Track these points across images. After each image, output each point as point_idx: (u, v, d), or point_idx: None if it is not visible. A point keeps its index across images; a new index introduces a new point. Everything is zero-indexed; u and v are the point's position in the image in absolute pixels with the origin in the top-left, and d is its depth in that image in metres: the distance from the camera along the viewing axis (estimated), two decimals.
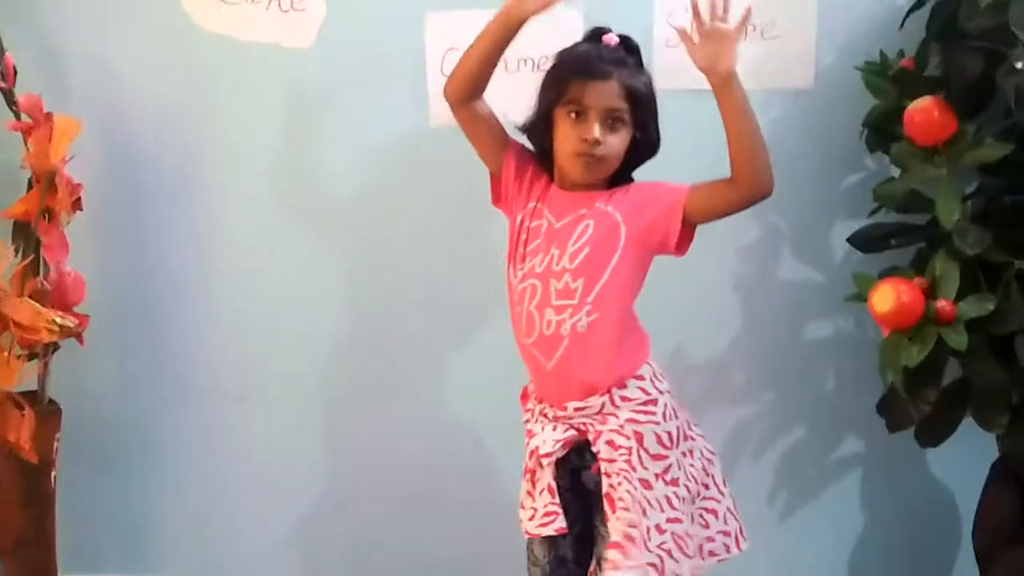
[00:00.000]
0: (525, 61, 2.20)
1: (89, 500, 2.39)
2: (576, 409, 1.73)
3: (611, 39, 1.73)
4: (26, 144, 2.05)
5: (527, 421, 1.82)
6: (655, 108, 1.74)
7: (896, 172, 2.05)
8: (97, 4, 2.24)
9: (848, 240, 2.17)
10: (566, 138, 1.71)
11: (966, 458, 2.16)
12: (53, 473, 2.17)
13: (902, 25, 2.08)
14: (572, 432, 1.73)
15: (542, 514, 1.72)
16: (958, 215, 1.83)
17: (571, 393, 1.74)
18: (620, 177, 1.78)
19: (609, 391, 1.72)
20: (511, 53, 2.01)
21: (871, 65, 2.08)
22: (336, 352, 2.39)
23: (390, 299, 2.38)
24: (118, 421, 2.39)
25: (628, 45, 1.74)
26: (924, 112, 1.92)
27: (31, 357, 2.08)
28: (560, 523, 1.71)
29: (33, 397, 2.12)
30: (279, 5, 2.21)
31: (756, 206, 2.06)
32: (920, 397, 1.93)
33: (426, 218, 2.33)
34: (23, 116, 2.05)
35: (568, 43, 1.79)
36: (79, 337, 2.08)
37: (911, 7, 2.05)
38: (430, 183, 2.30)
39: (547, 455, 1.72)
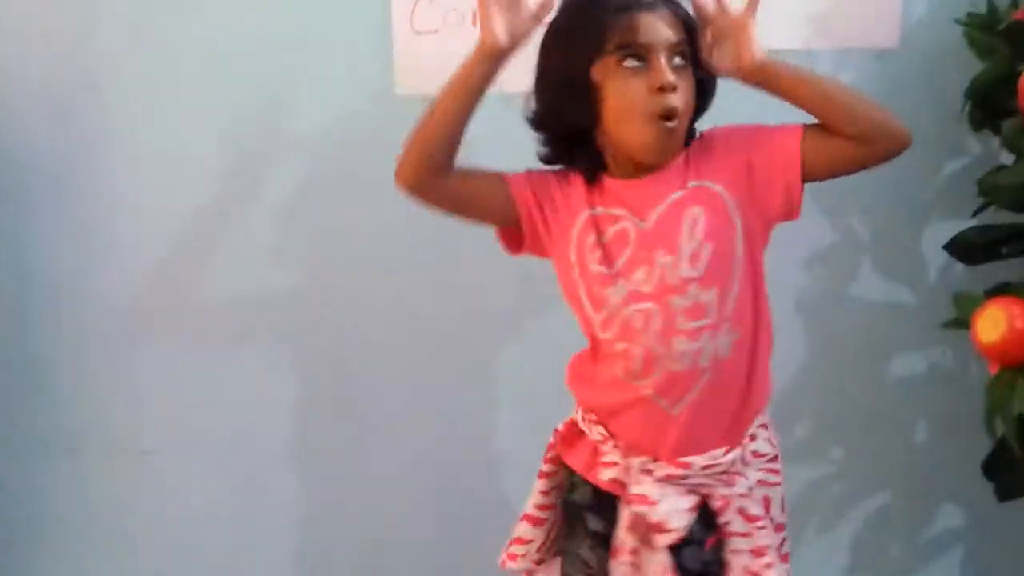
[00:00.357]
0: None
1: None
2: (704, 467, 1.67)
3: None
4: None
5: (608, 469, 1.72)
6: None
7: (1009, 158, 2.04)
8: None
9: (946, 248, 2.14)
10: (629, 98, 1.59)
11: None
12: None
13: None
14: (695, 498, 1.67)
15: None
16: None
17: (701, 444, 1.68)
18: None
19: (742, 441, 1.70)
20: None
21: (975, 17, 2.08)
22: (267, 388, 2.43)
23: (341, 319, 2.39)
24: None
25: None
26: None
27: None
28: None
29: None
30: None
31: (829, 205, 2.26)
32: None
33: (391, 209, 2.18)
34: None
35: None
36: None
37: None
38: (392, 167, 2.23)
39: (673, 531, 1.65)
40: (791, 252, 2.26)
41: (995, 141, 2.11)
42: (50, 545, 2.48)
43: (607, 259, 1.66)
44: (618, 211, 1.67)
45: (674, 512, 1.65)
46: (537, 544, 1.82)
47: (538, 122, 1.70)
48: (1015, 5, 2.05)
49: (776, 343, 1.99)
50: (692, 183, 1.65)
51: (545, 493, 1.82)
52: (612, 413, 1.72)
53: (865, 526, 2.39)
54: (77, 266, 2.39)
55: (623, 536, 1.68)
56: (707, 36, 1.61)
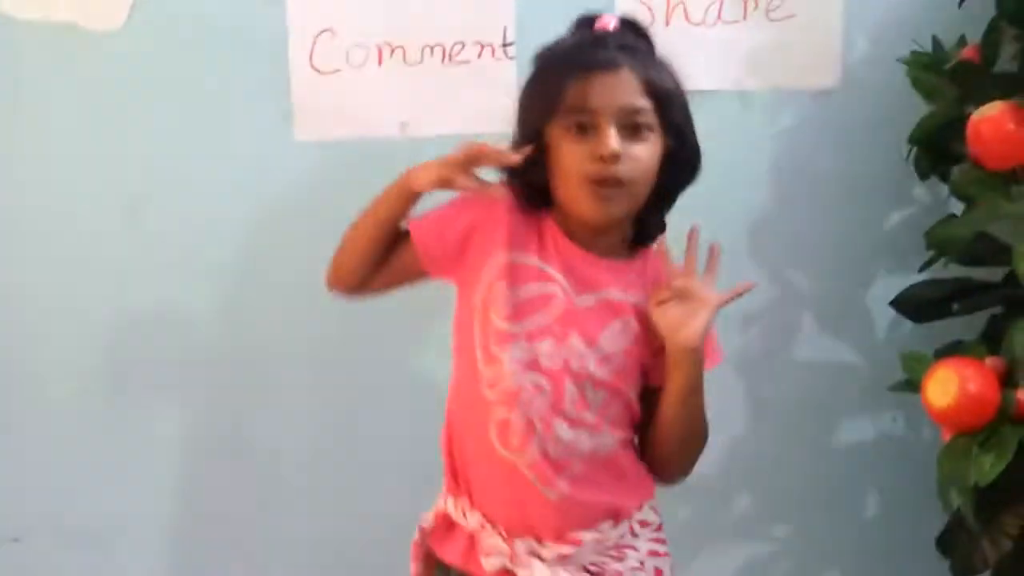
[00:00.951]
0: (432, 49, 2.16)
1: None
2: (594, 541, 1.63)
3: (608, 22, 1.62)
4: None
5: (492, 557, 1.66)
6: (686, 110, 1.62)
7: (958, 207, 2.02)
8: None
9: (892, 304, 2.12)
10: (571, 162, 1.55)
11: None
12: None
13: (962, 2, 2.05)
14: None
15: None
16: None
17: (584, 521, 1.63)
18: (654, 220, 1.67)
19: (630, 514, 1.68)
20: (414, 39, 2.15)
21: (919, 56, 2.05)
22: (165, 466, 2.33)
23: (247, 386, 2.29)
24: None
25: (635, 27, 1.63)
26: (995, 122, 1.83)
27: None
28: None
29: None
30: None
31: (768, 257, 2.25)
32: (997, 527, 1.86)
33: (286, 278, 2.24)
34: None
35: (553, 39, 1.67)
36: None
37: None
38: (298, 217, 2.23)
39: None
40: (727, 309, 2.01)
41: (943, 189, 2.10)
42: None
43: (516, 315, 1.61)
44: (554, 272, 1.63)
45: None
46: None
47: (507, 170, 1.65)
48: (962, 43, 2.04)
49: (713, 408, 1.93)
50: (635, 295, 1.64)
51: None
52: (485, 487, 1.67)
53: None
54: None
55: None
56: (665, 292, 1.59)
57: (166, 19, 2.15)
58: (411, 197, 1.64)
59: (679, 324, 1.55)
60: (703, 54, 2.15)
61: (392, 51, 2.14)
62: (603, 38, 1.59)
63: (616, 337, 1.62)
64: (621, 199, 1.56)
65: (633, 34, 1.61)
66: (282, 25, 2.13)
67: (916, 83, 2.03)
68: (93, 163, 2.21)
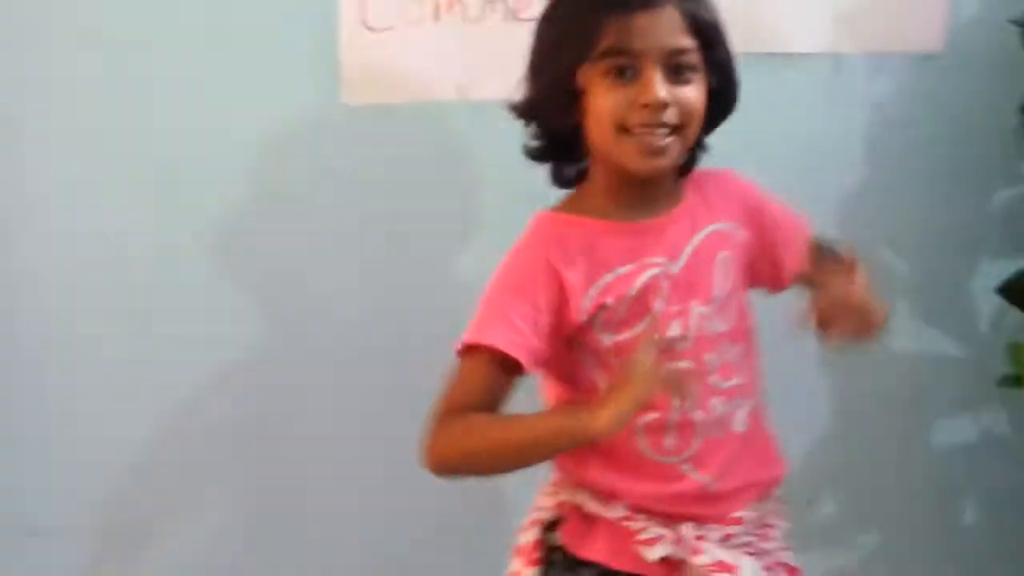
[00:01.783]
0: (494, 4, 2.04)
1: None
2: (754, 519, 1.57)
3: None
4: None
5: (652, 548, 1.53)
6: (727, 45, 1.50)
7: None
8: None
9: (999, 291, 2.03)
10: (610, 111, 1.42)
11: None
12: None
13: None
14: (753, 560, 1.57)
15: None
16: None
17: (739, 502, 1.55)
18: (698, 152, 1.57)
19: (777, 487, 1.65)
20: None
21: None
22: (196, 448, 2.21)
23: (289, 336, 2.18)
24: None
25: None
26: None
27: None
28: None
29: None
30: None
31: (862, 236, 1.88)
32: None
33: (334, 238, 2.15)
34: None
35: None
36: None
37: None
38: (342, 191, 2.12)
39: None
40: None
41: None
42: None
43: (632, 319, 1.49)
44: (633, 267, 1.49)
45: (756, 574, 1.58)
46: None
47: (521, 113, 1.53)
48: None
49: (798, 404, 2.03)
50: (720, 223, 1.54)
51: None
52: (630, 484, 1.53)
53: None
54: None
55: None
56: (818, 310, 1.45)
57: None
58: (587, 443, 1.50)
59: (859, 326, 1.43)
60: (792, 11, 2.05)
61: (451, 5, 2.02)
62: None
63: (723, 275, 1.52)
64: (672, 148, 1.44)
65: None
66: None
67: None
68: (130, 124, 2.08)
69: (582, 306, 1.48)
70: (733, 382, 1.51)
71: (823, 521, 2.21)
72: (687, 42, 1.42)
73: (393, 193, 2.04)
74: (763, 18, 2.00)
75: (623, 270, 1.49)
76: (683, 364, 1.47)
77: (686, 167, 1.55)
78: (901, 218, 2.13)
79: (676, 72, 1.42)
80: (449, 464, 1.51)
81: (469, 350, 1.48)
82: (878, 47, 2.06)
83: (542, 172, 1.59)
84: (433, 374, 1.64)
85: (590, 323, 1.49)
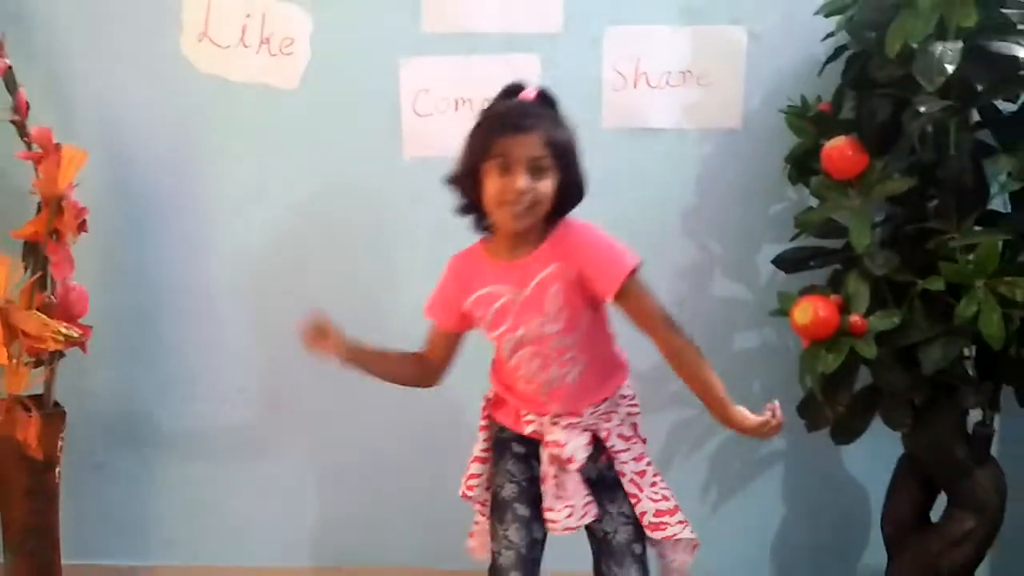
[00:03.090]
0: (487, 102, 2.11)
1: (90, 494, 2.38)
2: (591, 413, 1.73)
3: (528, 93, 1.65)
4: (36, 171, 2.03)
5: (530, 425, 1.75)
6: (575, 154, 1.65)
7: (815, 202, 2.03)
8: (103, 44, 2.23)
9: (773, 262, 2.16)
10: (495, 190, 1.60)
11: (875, 455, 2.18)
12: (57, 470, 2.16)
13: (820, 73, 2.08)
14: (588, 435, 1.72)
15: (583, 507, 1.70)
16: (869, 240, 1.85)
17: (582, 406, 1.73)
18: (555, 218, 1.68)
19: (612, 394, 1.75)
20: (476, 96, 2.15)
21: (793, 108, 2.08)
22: (301, 358, 2.19)
23: (365, 314, 2.20)
24: (117, 421, 2.38)
25: (545, 98, 1.67)
26: (839, 150, 1.91)
27: (38, 364, 2.06)
28: (595, 510, 1.72)
29: (40, 400, 2.10)
30: (268, 49, 2.20)
31: (694, 232, 2.26)
32: (835, 400, 1.94)
33: (400, 242, 2.31)
34: (34, 147, 2.04)
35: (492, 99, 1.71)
36: (82, 346, 2.07)
37: (828, 58, 2.06)
38: (404, 211, 2.28)
39: (577, 461, 1.69)
40: (669, 266, 2.27)
41: (806, 191, 2.07)
42: (148, 470, 2.44)
43: (494, 325, 1.70)
44: (498, 288, 1.68)
45: (577, 448, 1.70)
46: (486, 476, 1.83)
47: (450, 183, 1.71)
48: (819, 100, 2.07)
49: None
50: (553, 265, 1.65)
51: (486, 440, 1.84)
52: (518, 395, 1.76)
53: (716, 451, 2.38)
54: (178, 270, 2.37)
55: (546, 468, 1.70)
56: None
57: (323, 81, 2.22)
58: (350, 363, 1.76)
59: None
60: (657, 106, 2.20)
61: (464, 103, 2.20)
62: (523, 106, 1.63)
63: (554, 299, 1.64)
64: (529, 214, 1.60)
65: (543, 103, 1.64)
66: (396, 87, 2.20)
67: (790, 124, 2.05)
68: (275, 174, 2.29)
69: (464, 306, 1.71)
70: (566, 356, 1.67)
71: (670, 393, 2.18)
72: (543, 153, 1.57)
73: (434, 203, 1.96)
74: (641, 109, 2.17)
75: (484, 291, 1.68)
76: (526, 353, 1.67)
77: (549, 227, 1.66)
78: (720, 221, 2.26)
79: (536, 171, 1.58)
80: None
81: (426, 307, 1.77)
82: (704, 125, 2.21)
83: None
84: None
85: (473, 318, 1.72)
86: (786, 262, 2.14)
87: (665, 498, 1.75)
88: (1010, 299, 1.71)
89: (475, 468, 1.83)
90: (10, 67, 2.07)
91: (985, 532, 1.94)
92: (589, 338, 1.69)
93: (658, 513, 1.73)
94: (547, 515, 1.70)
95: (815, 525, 2.39)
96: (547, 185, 1.60)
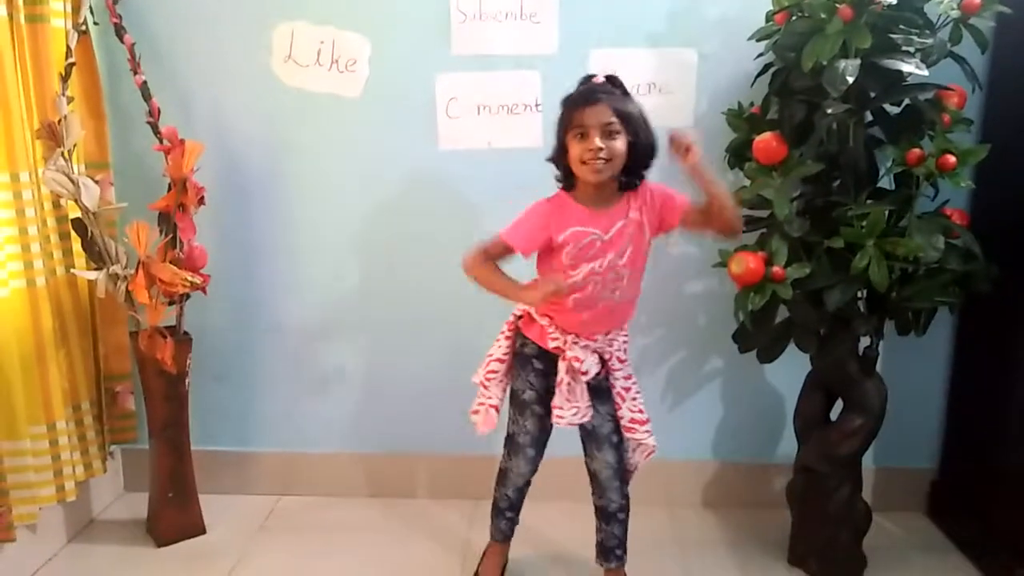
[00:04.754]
0: (502, 107, 2.18)
1: (211, 398, 2.39)
2: (602, 338, 1.72)
3: (598, 78, 1.62)
4: (166, 160, 2.01)
5: (552, 344, 1.71)
6: (644, 121, 1.61)
7: (748, 182, 1.96)
8: (215, 63, 2.21)
9: None
10: (576, 153, 1.58)
11: (790, 370, 2.15)
12: (187, 380, 2.17)
13: (752, 84, 2.04)
14: (597, 356, 1.71)
15: (584, 409, 1.70)
16: (788, 211, 1.82)
17: (602, 330, 1.71)
18: (632, 178, 1.64)
19: (623, 327, 1.74)
20: (494, 102, 2.12)
21: (732, 111, 2.04)
22: (362, 298, 2.34)
23: (407, 281, 2.32)
24: (230, 346, 2.37)
25: (613, 81, 1.63)
26: (766, 143, 1.86)
27: (171, 303, 2.06)
28: (591, 413, 1.72)
29: (173, 330, 2.11)
30: (337, 68, 2.17)
31: None
32: (761, 330, 1.93)
33: (435, 214, 2.27)
34: (164, 141, 2.03)
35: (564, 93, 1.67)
36: (203, 290, 2.07)
37: (759, 72, 2.01)
38: (438, 189, 2.25)
39: (586, 373, 1.69)
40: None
41: (741, 173, 2.01)
42: (254, 381, 2.43)
43: (581, 255, 1.65)
44: (588, 228, 1.64)
45: (591, 365, 1.70)
46: (501, 374, 1.81)
47: (552, 162, 1.68)
48: (752, 104, 2.02)
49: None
50: (631, 214, 1.64)
51: (509, 348, 1.80)
52: (568, 318, 1.72)
53: (671, 368, 2.35)
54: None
55: (562, 375, 1.69)
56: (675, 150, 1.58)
57: (379, 91, 2.18)
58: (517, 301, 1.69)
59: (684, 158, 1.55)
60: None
61: (484, 108, 2.17)
62: (593, 86, 1.60)
63: (628, 241, 1.64)
64: (606, 169, 1.57)
65: (612, 84, 1.61)
66: (432, 94, 2.16)
67: (730, 123, 2.02)
68: (342, 162, 2.25)
69: (557, 237, 1.64)
70: (623, 284, 1.66)
71: (639, 326, 2.24)
72: (613, 119, 1.55)
73: (464, 185, 2.16)
74: None
75: (577, 228, 1.63)
76: (597, 278, 1.64)
77: (626, 186, 1.63)
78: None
79: (608, 134, 1.56)
80: (469, 275, 1.66)
81: (500, 238, 1.65)
82: (666, 123, 1.81)
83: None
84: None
85: (561, 247, 1.64)
86: None
87: (640, 411, 1.75)
88: (893, 254, 1.71)
89: (494, 366, 1.80)
90: (145, 82, 2.07)
91: (870, 428, 1.93)
92: (637, 273, 1.69)
93: (632, 420, 1.74)
94: (556, 411, 1.69)
95: (745, 422, 2.37)
96: (619, 145, 1.57)
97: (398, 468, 2.41)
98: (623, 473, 1.79)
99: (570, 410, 1.68)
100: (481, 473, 2.12)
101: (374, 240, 2.30)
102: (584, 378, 1.68)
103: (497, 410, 1.79)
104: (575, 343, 1.69)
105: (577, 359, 1.67)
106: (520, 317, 1.78)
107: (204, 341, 2.25)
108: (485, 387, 1.80)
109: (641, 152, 1.61)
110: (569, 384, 1.68)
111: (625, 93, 1.61)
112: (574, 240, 1.63)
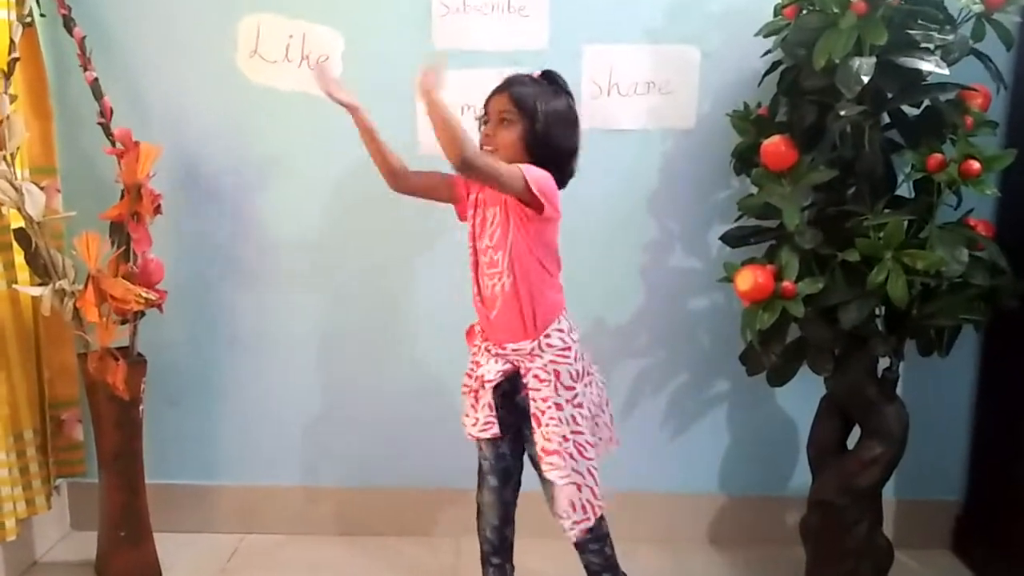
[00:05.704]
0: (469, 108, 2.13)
1: (167, 426, 2.39)
2: (513, 349, 1.70)
3: (534, 72, 1.70)
4: (119, 164, 2.00)
5: (474, 354, 1.78)
6: (552, 116, 1.63)
7: (755, 190, 1.99)
8: (173, 59, 2.21)
9: (720, 238, 2.13)
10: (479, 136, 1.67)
11: (803, 395, 2.17)
12: (140, 407, 2.16)
13: (760, 84, 2.07)
14: (508, 365, 1.71)
15: (483, 422, 1.72)
16: (798, 221, 1.84)
17: (510, 337, 1.71)
18: (553, 169, 1.66)
19: (537, 339, 1.69)
20: (474, 99, 1.96)
21: (738, 112, 2.06)
22: (331, 311, 2.36)
23: (385, 277, 2.34)
24: (185, 366, 2.37)
25: (548, 76, 1.69)
26: (774, 147, 1.89)
27: (123, 322, 2.05)
28: (495, 430, 1.72)
29: (125, 351, 2.09)
30: (307, 64, 2.18)
31: (657, 214, 2.24)
32: (770, 350, 1.94)
33: (414, 210, 2.20)
34: (117, 144, 2.03)
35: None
36: (159, 307, 2.06)
37: (766, 71, 2.04)
38: (418, 200, 2.14)
39: (489, 381, 1.70)
40: (635, 241, 2.27)
41: (747, 180, 2.03)
42: (210, 406, 2.43)
43: (479, 230, 1.73)
44: (482, 202, 1.72)
45: (489, 370, 1.71)
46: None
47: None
48: (759, 105, 2.05)
49: (626, 292, 2.19)
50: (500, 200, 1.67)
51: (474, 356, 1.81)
52: (479, 316, 1.78)
53: (674, 392, 2.36)
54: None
55: (470, 383, 1.77)
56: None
57: (354, 89, 1.95)
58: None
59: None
60: (626, 110, 2.18)
61: (468, 108, 2.10)
62: (512, 76, 1.67)
63: (495, 221, 1.68)
64: (496, 156, 1.61)
65: (546, 79, 1.67)
66: (411, 93, 1.87)
67: (735, 126, 2.03)
68: (315, 164, 2.25)
69: (469, 195, 1.73)
70: (495, 270, 1.68)
71: (639, 345, 2.29)
72: (507, 106, 1.62)
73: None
74: (612, 113, 2.16)
75: (474, 195, 1.72)
76: (476, 258, 1.70)
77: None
78: (679, 204, 2.23)
79: (502, 122, 1.63)
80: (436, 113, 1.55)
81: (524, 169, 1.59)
82: (665, 125, 2.18)
83: None
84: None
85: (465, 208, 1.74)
86: (731, 239, 2.10)
87: (548, 439, 1.68)
88: (912, 268, 1.72)
89: (465, 379, 1.84)
90: (96, 79, 2.06)
91: (891, 457, 1.94)
92: (513, 258, 1.66)
93: (543, 450, 1.69)
94: (463, 419, 1.77)
95: (754, 451, 2.39)
96: (508, 134, 1.63)
97: (372, 503, 2.41)
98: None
99: (470, 420, 1.73)
100: (460, 509, 2.13)
101: (348, 252, 2.30)
102: (488, 386, 1.69)
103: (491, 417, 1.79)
104: (487, 350, 1.73)
105: (479, 365, 1.72)
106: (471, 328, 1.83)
107: (160, 363, 2.24)
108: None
109: (535, 146, 1.63)
110: (475, 392, 1.72)
111: (556, 90, 1.66)
112: (474, 207, 1.73)
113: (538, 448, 1.68)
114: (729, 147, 2.08)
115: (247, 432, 2.41)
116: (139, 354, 2.15)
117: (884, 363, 1.95)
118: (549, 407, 1.67)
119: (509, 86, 1.64)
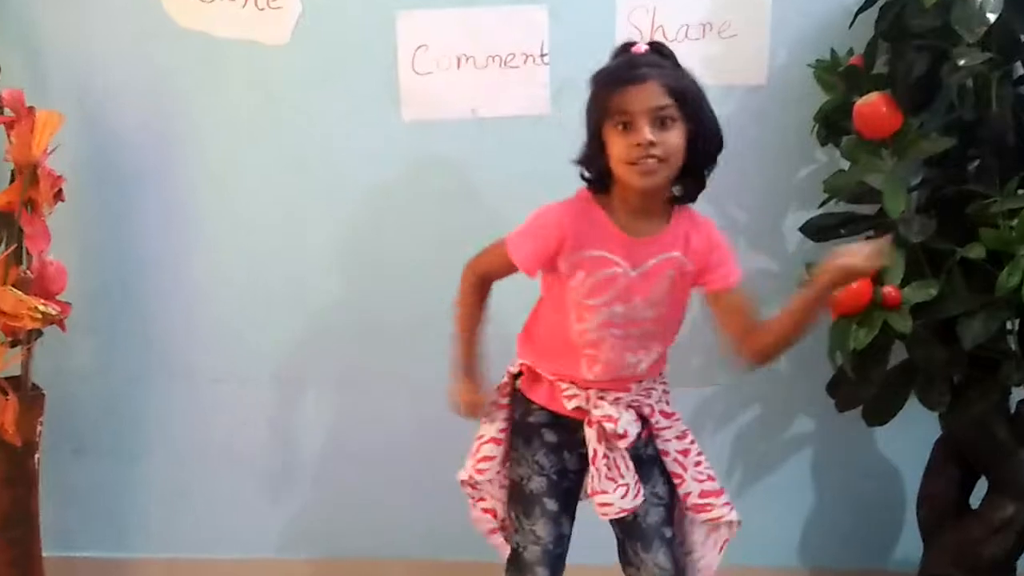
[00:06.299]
0: (493, 58, 2.21)
1: (72, 480, 2.40)
2: (637, 388, 1.75)
3: (639, 48, 1.62)
4: (9, 137, 2.03)
5: (572, 401, 1.74)
6: (705, 103, 1.62)
7: (845, 165, 2.02)
8: (78, 1, 2.23)
9: (800, 229, 2.14)
10: (619, 149, 1.57)
11: (911, 436, 2.18)
12: (36, 455, 2.16)
13: (851, 24, 2.07)
14: (633, 411, 1.73)
15: (635, 486, 1.71)
16: (904, 205, 1.84)
17: (632, 381, 1.75)
18: (690, 185, 1.67)
19: (655, 377, 1.78)
20: (481, 51, 2.14)
21: (822, 62, 2.07)
22: (295, 336, 2.40)
23: (364, 289, 2.37)
24: (98, 403, 2.39)
25: (660, 50, 1.64)
26: (872, 107, 1.90)
27: (14, 344, 2.07)
28: (644, 491, 1.73)
29: (17, 382, 2.10)
30: (255, 3, 2.21)
31: (715, 198, 2.11)
32: (867, 378, 1.94)
33: (399, 209, 2.32)
34: (6, 111, 2.04)
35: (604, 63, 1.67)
36: (61, 324, 2.07)
37: (860, 7, 2.04)
38: (403, 177, 2.29)
39: (629, 436, 1.70)
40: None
41: (836, 152, 2.07)
42: (130, 455, 2.46)
43: (596, 291, 1.67)
44: (618, 258, 1.65)
45: (628, 424, 1.70)
46: (499, 459, 1.84)
47: (582, 164, 1.68)
48: (851, 53, 2.07)
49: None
50: (675, 252, 1.66)
51: (506, 420, 1.84)
52: (557, 369, 1.77)
53: (741, 431, 2.39)
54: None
55: (595, 446, 1.70)
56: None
57: (315, 37, 2.22)
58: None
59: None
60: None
61: (466, 60, 2.19)
62: (635, 59, 1.59)
63: (662, 287, 1.65)
64: (659, 171, 1.56)
65: (659, 55, 1.61)
66: (393, 42, 2.19)
67: (819, 80, 2.05)
68: (265, 135, 2.30)
69: (567, 259, 1.65)
70: (648, 344, 1.69)
71: (695, 368, 2.30)
72: (666, 101, 1.54)
73: (434, 169, 2.21)
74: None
75: (600, 253, 1.64)
76: (616, 332, 1.67)
77: (682, 198, 1.66)
78: (744, 186, 2.23)
79: (660, 122, 1.54)
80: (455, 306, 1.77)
81: (504, 245, 1.68)
82: (727, 81, 2.18)
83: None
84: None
85: (570, 275, 1.66)
86: (814, 229, 2.11)
87: (711, 478, 1.77)
88: None
89: (488, 450, 1.83)
90: None
91: None
92: (670, 330, 1.73)
93: (703, 494, 1.75)
94: (599, 499, 1.70)
95: (846, 511, 2.39)
96: (675, 137, 1.57)
97: None
98: None
99: (617, 491, 1.69)
100: None
101: (310, 251, 2.33)
102: (623, 443, 1.69)
103: (495, 516, 1.86)
104: (601, 399, 1.71)
105: (609, 418, 1.69)
106: (519, 375, 1.82)
107: (62, 398, 2.27)
108: (475, 487, 1.86)
109: (705, 147, 1.62)
110: (606, 457, 1.69)
111: (676, 66, 1.62)
112: (589, 269, 1.66)
113: (694, 496, 1.75)
114: (812, 109, 2.09)
115: (177, 491, 2.44)
116: (35, 386, 2.18)
117: (1018, 394, 1.96)
118: (690, 442, 1.77)
119: (655, 73, 1.56)
